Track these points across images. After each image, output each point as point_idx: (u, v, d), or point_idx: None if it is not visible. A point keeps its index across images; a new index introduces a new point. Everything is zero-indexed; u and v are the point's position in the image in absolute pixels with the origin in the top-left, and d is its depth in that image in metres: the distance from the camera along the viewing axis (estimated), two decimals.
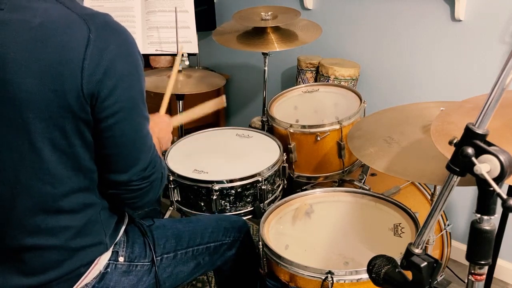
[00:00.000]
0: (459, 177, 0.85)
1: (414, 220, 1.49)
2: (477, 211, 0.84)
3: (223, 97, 1.78)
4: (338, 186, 2.04)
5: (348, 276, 1.29)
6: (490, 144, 0.80)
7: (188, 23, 2.25)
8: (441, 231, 1.84)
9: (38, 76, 1.00)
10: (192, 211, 1.78)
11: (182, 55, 2.17)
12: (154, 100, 3.24)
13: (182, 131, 2.35)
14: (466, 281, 0.91)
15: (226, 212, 1.74)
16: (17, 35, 1.00)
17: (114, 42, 1.04)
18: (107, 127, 1.07)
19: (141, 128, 1.13)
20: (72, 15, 1.03)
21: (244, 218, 1.71)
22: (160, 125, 1.46)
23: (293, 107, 2.22)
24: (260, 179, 1.73)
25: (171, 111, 1.78)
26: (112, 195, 1.19)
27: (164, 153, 1.86)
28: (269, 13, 2.22)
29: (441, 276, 1.96)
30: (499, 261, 2.18)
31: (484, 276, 0.89)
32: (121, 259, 1.25)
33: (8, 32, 1.00)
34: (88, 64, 1.01)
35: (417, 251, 0.90)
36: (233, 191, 1.71)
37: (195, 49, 2.26)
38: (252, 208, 1.77)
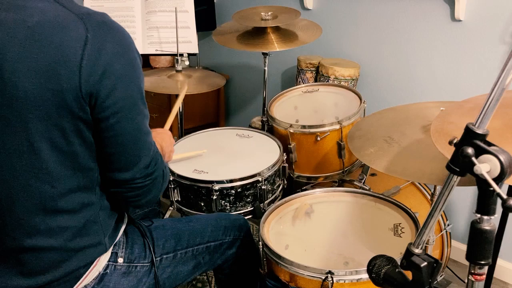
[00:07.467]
0: (459, 177, 0.85)
1: (414, 220, 1.49)
2: (477, 211, 0.84)
3: (205, 150, 1.93)
4: (338, 186, 2.04)
5: (348, 276, 1.29)
6: (490, 144, 0.80)
7: (188, 23, 2.25)
8: (441, 231, 1.84)
9: (35, 76, 0.99)
10: (192, 211, 1.77)
11: (182, 55, 2.19)
12: (154, 100, 3.24)
13: (182, 131, 2.35)
14: (466, 281, 0.91)
15: (226, 212, 1.74)
16: (14, 35, 1.00)
17: (112, 41, 1.04)
18: (108, 127, 1.07)
19: (141, 126, 1.13)
20: (69, 14, 1.03)
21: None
22: (162, 136, 1.49)
23: (293, 107, 2.22)
24: (260, 179, 1.73)
25: (170, 111, 1.81)
26: (114, 194, 1.19)
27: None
28: (269, 13, 2.22)
29: (441, 276, 1.96)
30: (499, 261, 2.18)
31: (484, 276, 0.89)
32: (120, 260, 1.25)
33: (4, 31, 1.00)
34: (86, 64, 1.00)
35: (417, 251, 0.90)
36: (233, 191, 1.71)
37: (195, 49, 2.26)
38: (252, 208, 1.77)
